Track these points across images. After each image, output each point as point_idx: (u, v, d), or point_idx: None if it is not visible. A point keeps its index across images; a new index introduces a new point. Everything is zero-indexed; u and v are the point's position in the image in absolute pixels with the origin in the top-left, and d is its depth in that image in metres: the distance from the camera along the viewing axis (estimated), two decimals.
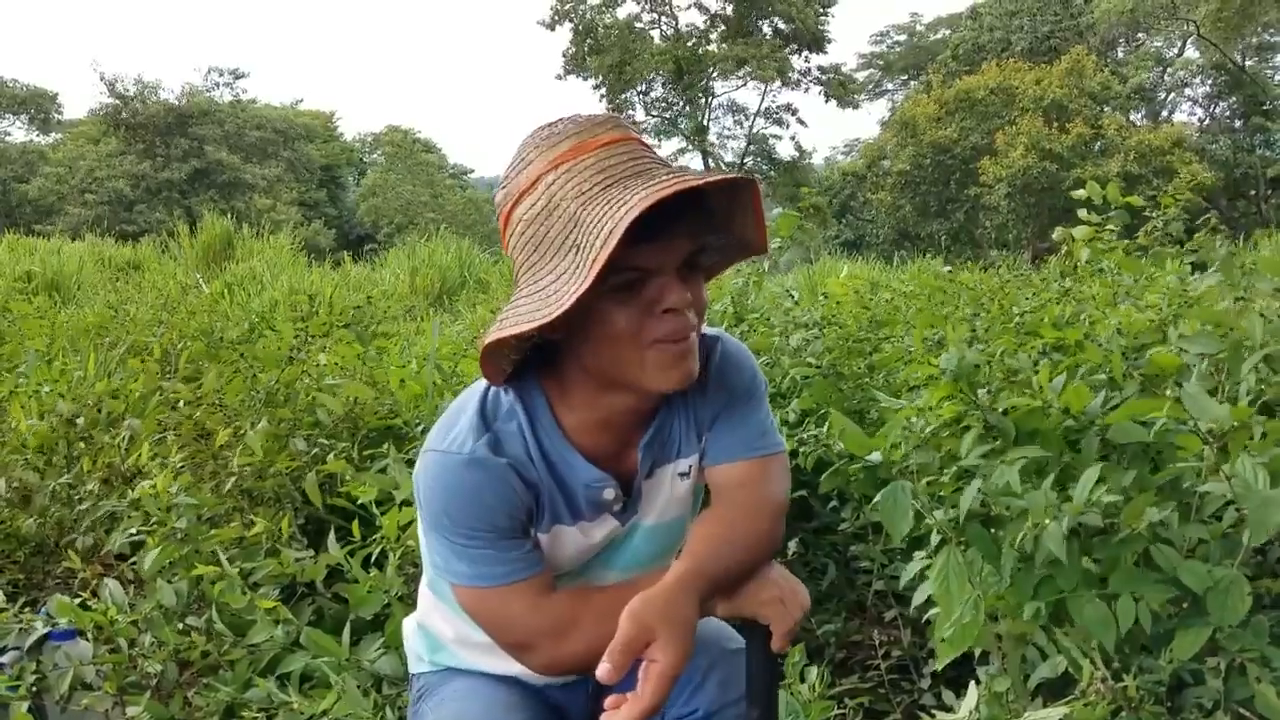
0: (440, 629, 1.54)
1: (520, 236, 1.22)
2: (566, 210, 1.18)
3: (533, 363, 1.34)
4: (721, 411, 1.44)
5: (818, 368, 3.04)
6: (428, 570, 1.51)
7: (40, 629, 2.23)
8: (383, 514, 2.44)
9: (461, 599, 1.33)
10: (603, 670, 1.12)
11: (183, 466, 2.72)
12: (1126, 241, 3.86)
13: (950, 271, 6.50)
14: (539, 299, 1.18)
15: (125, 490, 2.75)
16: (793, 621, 1.29)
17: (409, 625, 1.66)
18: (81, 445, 3.22)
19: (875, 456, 2.08)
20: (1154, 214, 4.06)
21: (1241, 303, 2.25)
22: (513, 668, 1.50)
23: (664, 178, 1.16)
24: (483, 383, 1.35)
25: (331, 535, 2.42)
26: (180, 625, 2.26)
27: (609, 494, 1.37)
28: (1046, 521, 1.73)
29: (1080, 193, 3.70)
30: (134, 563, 2.59)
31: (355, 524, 2.47)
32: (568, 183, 1.19)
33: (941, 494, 2.02)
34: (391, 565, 2.33)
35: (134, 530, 2.48)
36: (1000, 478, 1.86)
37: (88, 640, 2.25)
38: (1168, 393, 1.79)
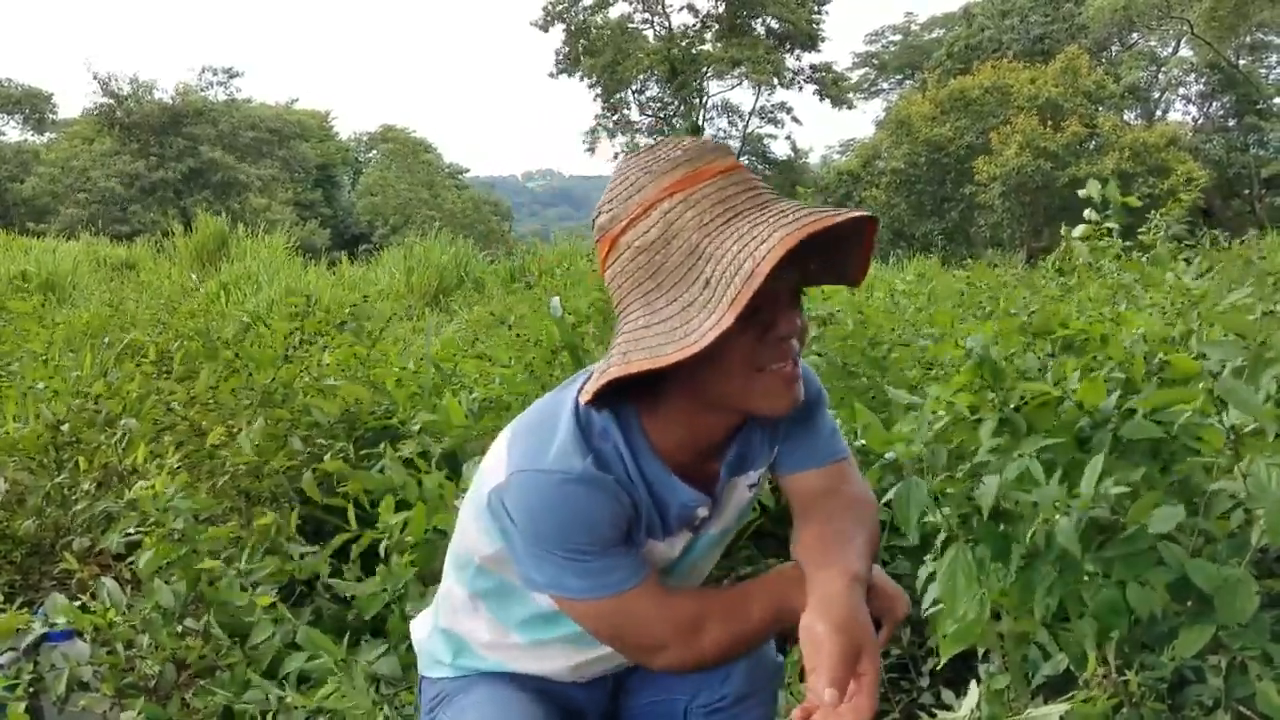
0: (474, 634, 1.52)
1: (631, 263, 1.22)
2: (688, 240, 1.18)
3: (624, 382, 1.32)
4: (794, 423, 1.47)
5: (823, 355, 3.04)
6: (466, 575, 1.49)
7: (38, 629, 2.22)
8: (380, 507, 2.42)
9: (577, 613, 1.32)
10: (830, 695, 1.12)
11: (179, 466, 2.71)
12: (1127, 242, 3.86)
13: (967, 273, 6.50)
14: (665, 331, 1.18)
15: (121, 490, 2.74)
16: (894, 626, 1.41)
17: (422, 628, 1.63)
18: (70, 448, 3.21)
19: (892, 454, 2.08)
20: (1154, 214, 4.07)
21: (1270, 316, 2.26)
22: (543, 667, 1.51)
23: (791, 213, 1.17)
24: (565, 400, 1.35)
25: (335, 539, 2.41)
26: (179, 627, 2.25)
27: (702, 512, 1.41)
28: (1057, 516, 1.73)
29: (1084, 191, 3.69)
30: (131, 563, 2.58)
31: (351, 514, 2.45)
32: (686, 212, 1.19)
33: (950, 490, 2.01)
34: (399, 563, 2.32)
35: (130, 530, 2.47)
36: (1016, 470, 1.85)
37: (85, 641, 2.24)
38: (1200, 386, 1.78)
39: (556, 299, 4.74)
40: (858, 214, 1.21)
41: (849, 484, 1.48)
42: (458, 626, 1.54)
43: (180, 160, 40.56)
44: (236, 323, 5.23)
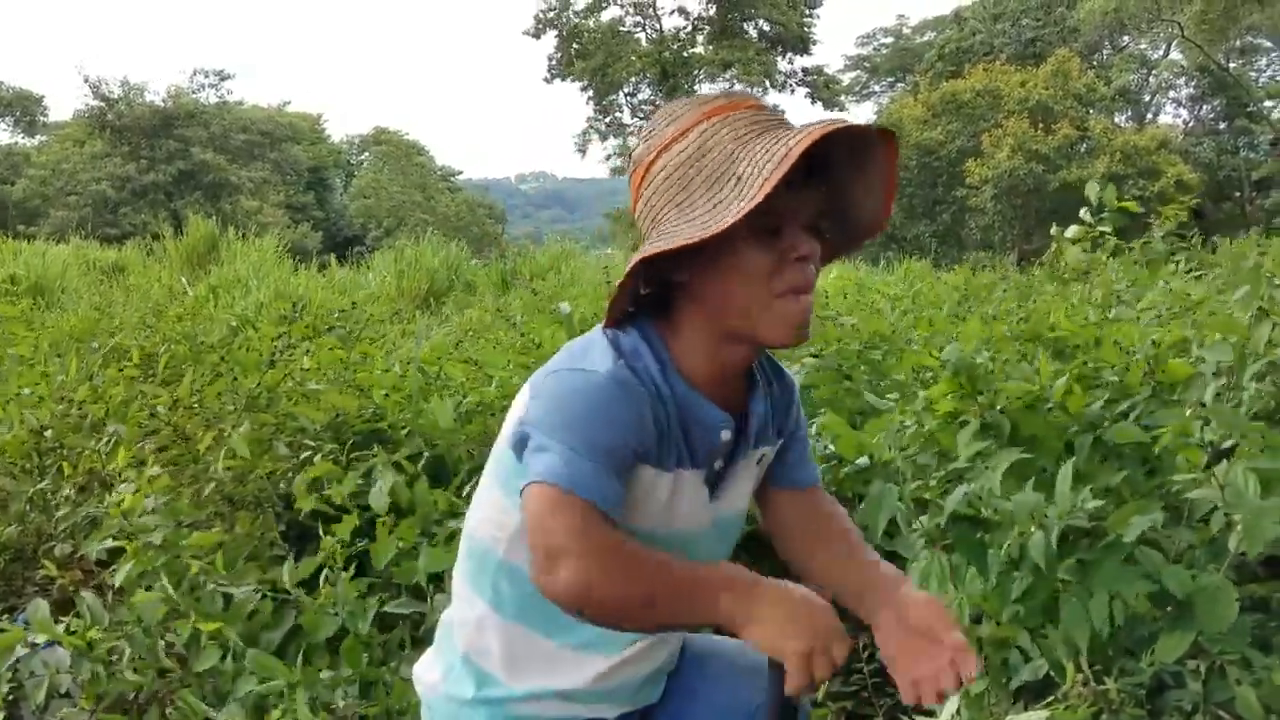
0: (490, 648, 1.44)
1: (667, 180, 1.27)
2: (723, 151, 1.24)
3: (640, 315, 1.34)
4: (793, 432, 1.51)
5: (818, 356, 3.04)
6: (485, 582, 1.44)
7: (19, 650, 2.20)
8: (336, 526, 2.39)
9: (530, 495, 1.24)
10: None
11: (161, 471, 2.69)
12: (1124, 245, 3.88)
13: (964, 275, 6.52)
14: (696, 224, 1.21)
15: (104, 496, 2.72)
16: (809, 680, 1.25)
17: (432, 669, 1.52)
18: (54, 454, 3.19)
19: (863, 461, 2.08)
20: (1153, 219, 4.10)
21: (1261, 313, 2.26)
22: (570, 680, 1.44)
23: (819, 121, 1.22)
24: (591, 333, 1.35)
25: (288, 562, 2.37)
26: (160, 642, 2.22)
27: (725, 434, 1.36)
28: (1032, 529, 1.73)
29: (1089, 192, 3.70)
30: (114, 568, 2.56)
31: (344, 526, 2.43)
32: (722, 128, 1.25)
33: (928, 497, 2.02)
34: (344, 582, 2.28)
35: (111, 537, 2.45)
36: (988, 481, 1.86)
37: (65, 650, 2.22)
38: (1179, 396, 1.79)
39: (565, 304, 4.75)
40: (880, 126, 1.27)
41: (835, 505, 1.55)
42: (477, 656, 1.46)
43: (171, 163, 40.44)
44: (224, 326, 5.22)
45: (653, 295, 1.32)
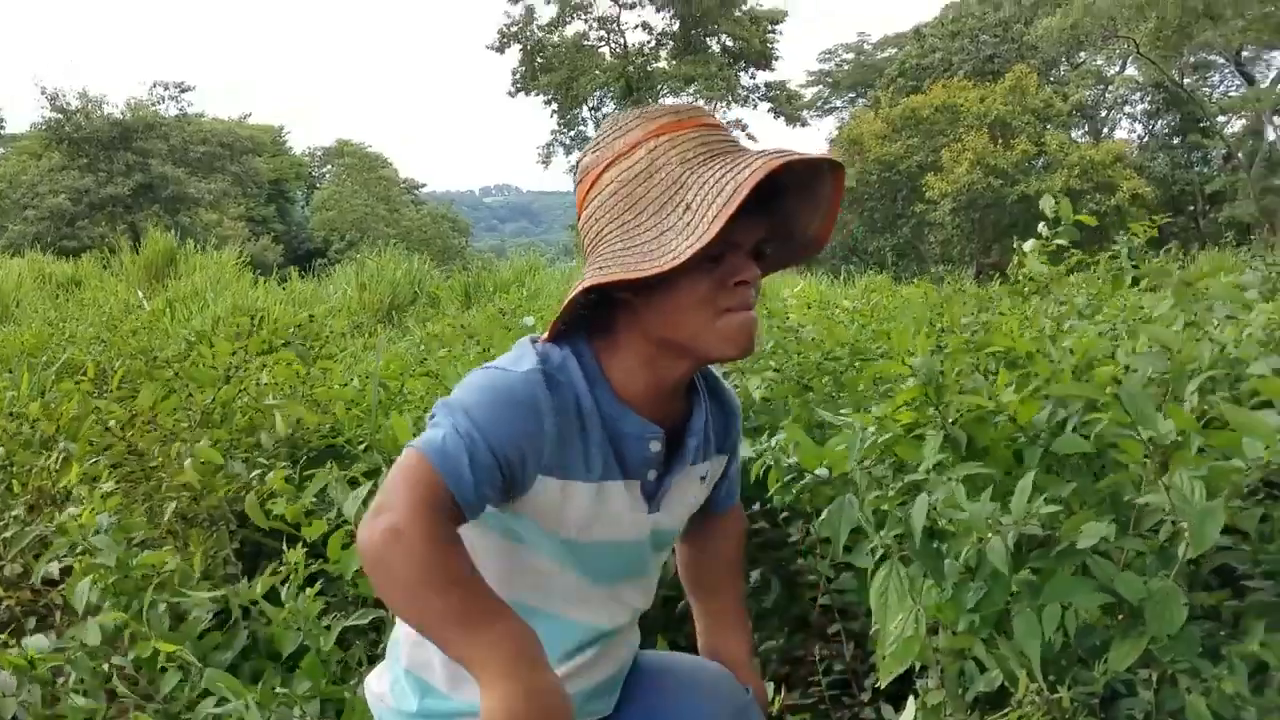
0: (431, 661, 1.45)
1: (612, 196, 1.28)
2: (670, 173, 1.24)
3: (577, 327, 1.36)
4: (731, 452, 1.57)
5: (777, 371, 3.05)
6: None
7: None
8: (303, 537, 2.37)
9: (402, 455, 1.25)
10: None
11: (114, 489, 2.65)
12: (1085, 259, 3.93)
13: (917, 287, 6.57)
14: (640, 252, 1.22)
15: (54, 514, 2.67)
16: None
17: (380, 681, 1.54)
18: (3, 471, 3.13)
19: (823, 471, 2.09)
20: (1114, 232, 4.16)
21: (1192, 327, 2.30)
22: None
23: (771, 151, 1.22)
24: (522, 343, 1.37)
25: (242, 582, 2.34)
26: (106, 665, 2.18)
27: (655, 446, 1.38)
28: (989, 535, 1.74)
29: (1046, 206, 3.75)
30: (63, 588, 2.52)
31: (297, 550, 2.40)
32: (671, 149, 1.26)
33: (885, 508, 2.03)
34: (308, 598, 2.26)
35: (61, 557, 2.41)
36: (946, 492, 1.87)
37: (7, 672, 2.17)
38: (1107, 390, 1.81)
39: (530, 317, 4.74)
40: (828, 157, 1.28)
41: (743, 522, 1.72)
42: (417, 669, 1.46)
43: (129, 175, 39.94)
44: (180, 341, 5.16)
45: (594, 309, 1.34)
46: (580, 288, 1.25)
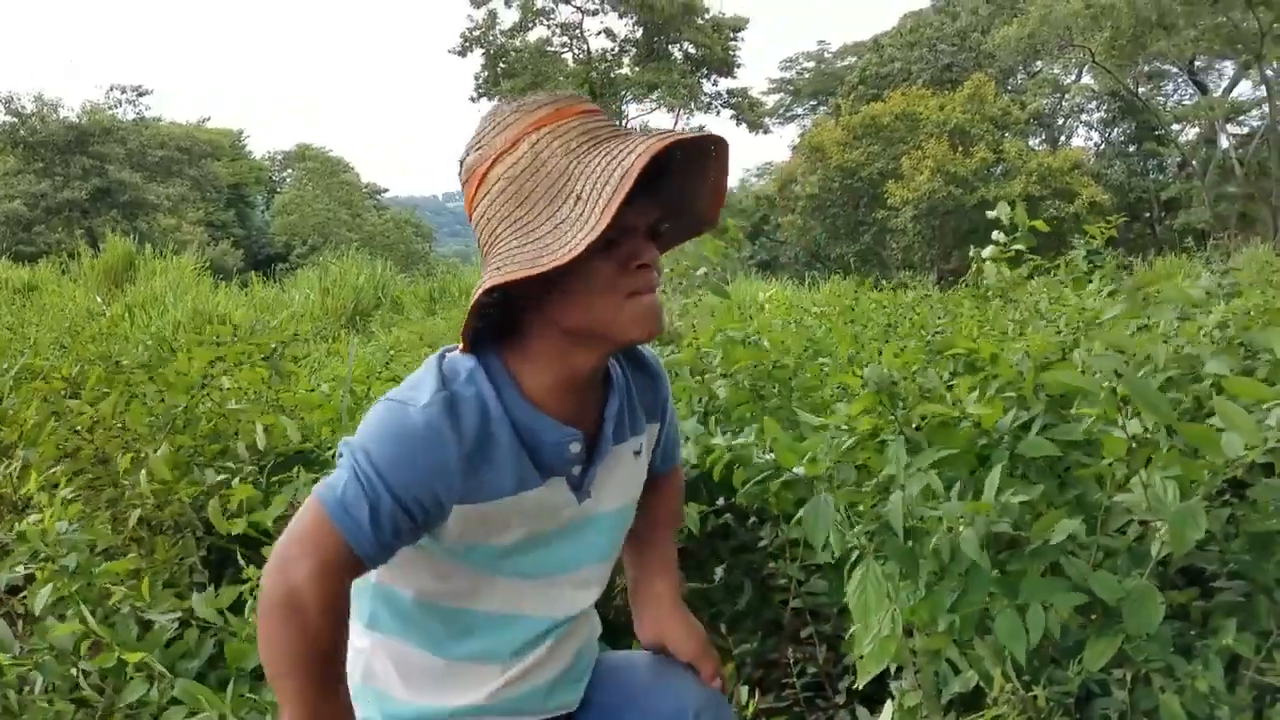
0: (382, 670, 1.47)
1: (501, 194, 1.26)
2: (557, 165, 1.23)
3: (485, 334, 1.35)
4: (667, 421, 1.57)
5: (729, 375, 3.05)
6: (363, 609, 1.46)
7: None
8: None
9: (307, 500, 1.28)
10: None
11: (75, 496, 2.60)
12: (1044, 264, 3.96)
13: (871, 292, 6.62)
14: (536, 248, 1.21)
15: (13, 522, 2.62)
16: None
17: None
18: None
19: (801, 470, 2.09)
20: (1071, 238, 4.20)
21: (1145, 330, 2.33)
22: (466, 698, 1.45)
23: (653, 134, 1.22)
24: (430, 359, 1.36)
25: (208, 591, 2.31)
26: (74, 670, 2.14)
27: (575, 447, 1.37)
28: (961, 528, 1.75)
29: (992, 213, 3.78)
30: (24, 597, 2.46)
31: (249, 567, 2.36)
32: (554, 141, 1.24)
33: (860, 507, 2.03)
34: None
35: (21, 565, 2.36)
36: (918, 483, 1.87)
37: None
38: (1104, 385, 1.81)
39: None
40: (712, 135, 1.28)
41: (680, 480, 1.73)
42: (372, 679, 1.48)
43: (86, 180, 39.38)
44: (140, 346, 5.08)
45: (501, 311, 1.33)
46: (481, 289, 1.24)
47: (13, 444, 3.15)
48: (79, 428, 2.87)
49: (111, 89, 45.84)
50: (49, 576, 2.26)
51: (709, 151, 1.32)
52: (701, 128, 44.33)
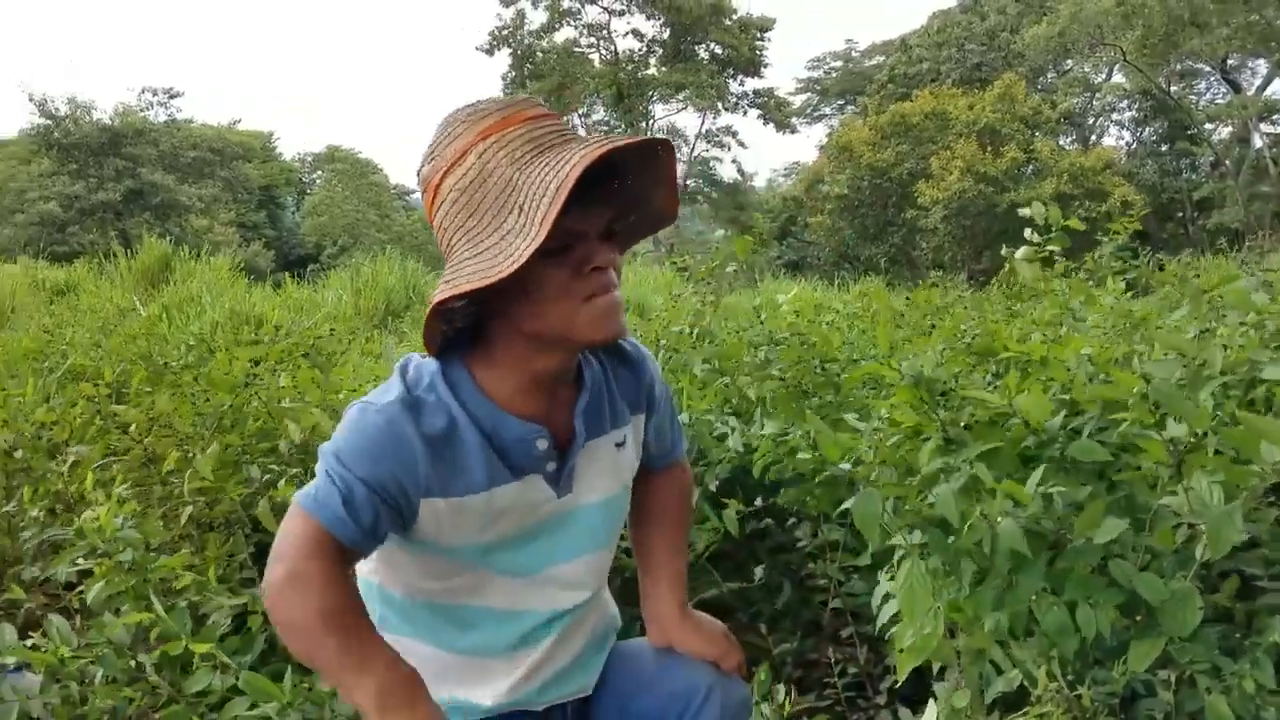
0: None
1: (453, 205, 1.29)
2: (502, 176, 1.25)
3: (452, 340, 1.39)
4: (655, 411, 1.59)
5: (782, 380, 3.06)
6: (374, 610, 1.50)
7: None
8: None
9: (289, 512, 1.33)
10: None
11: (128, 494, 2.66)
12: (1070, 263, 3.95)
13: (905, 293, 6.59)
14: (485, 259, 1.24)
15: (70, 518, 2.68)
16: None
17: None
18: (20, 475, 3.13)
19: (847, 466, 2.10)
20: (1103, 237, 4.18)
21: (1207, 334, 2.32)
22: (483, 692, 1.50)
23: (593, 142, 1.25)
24: (399, 362, 1.42)
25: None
26: (131, 662, 2.20)
27: (541, 444, 1.40)
28: (999, 519, 1.76)
29: (1025, 211, 3.78)
30: (80, 592, 2.52)
31: None
32: (499, 151, 1.26)
33: (906, 505, 2.04)
34: None
35: (79, 560, 2.42)
36: (963, 477, 1.88)
37: (35, 674, 2.18)
38: (1135, 391, 1.82)
39: None
40: (649, 138, 1.30)
41: (687, 475, 1.74)
42: None
43: (119, 181, 39.88)
44: (183, 346, 5.15)
45: (471, 317, 1.37)
46: (432, 303, 1.28)
47: (63, 442, 3.22)
48: (131, 427, 2.93)
49: (143, 91, 46.39)
50: (106, 571, 2.32)
51: (656, 152, 1.34)
52: (729, 128, 44.38)
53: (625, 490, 1.56)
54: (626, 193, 1.37)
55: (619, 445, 1.52)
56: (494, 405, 1.37)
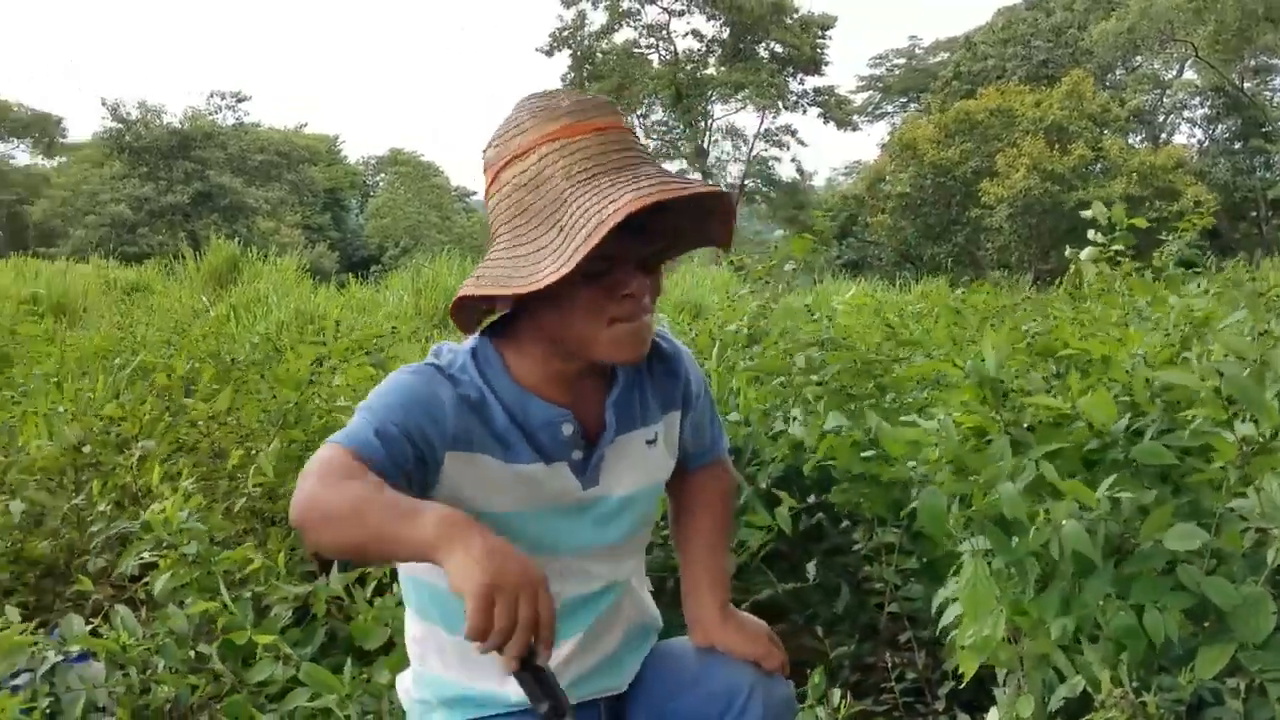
0: (434, 654, 1.51)
1: (507, 199, 1.31)
2: (555, 187, 1.26)
3: (492, 323, 1.42)
4: (691, 408, 1.58)
5: (822, 384, 3.04)
6: (411, 599, 1.52)
7: (51, 656, 2.21)
8: None
9: (320, 450, 1.30)
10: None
11: (194, 489, 2.71)
12: (1136, 264, 3.87)
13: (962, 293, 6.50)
14: (514, 266, 1.26)
15: (136, 512, 2.74)
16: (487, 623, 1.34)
17: (404, 681, 1.61)
18: (89, 469, 3.21)
19: (913, 463, 2.08)
20: (1169, 236, 4.09)
21: (1266, 336, 2.26)
22: (500, 684, 1.48)
23: (650, 177, 1.25)
24: (434, 347, 1.45)
25: (335, 566, 2.40)
26: (193, 652, 2.25)
27: (567, 429, 1.41)
28: (1064, 521, 1.73)
29: (1087, 213, 3.70)
30: (146, 584, 2.58)
31: None
32: (559, 160, 1.27)
33: (972, 505, 2.01)
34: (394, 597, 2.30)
35: (145, 553, 2.48)
36: (1029, 477, 1.85)
37: (100, 663, 2.24)
38: (1207, 384, 1.77)
39: None
40: (707, 188, 1.29)
41: (731, 473, 1.70)
42: (426, 665, 1.53)
43: (188, 184, 40.81)
44: (249, 345, 5.25)
45: (505, 304, 1.37)
46: (457, 297, 1.31)
47: (131, 437, 3.29)
48: (197, 422, 2.99)
49: (212, 95, 47.37)
50: (171, 564, 2.37)
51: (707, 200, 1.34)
52: (788, 126, 44.14)
53: (656, 489, 1.55)
54: (672, 225, 1.37)
55: (649, 443, 1.51)
56: (522, 389, 1.39)
